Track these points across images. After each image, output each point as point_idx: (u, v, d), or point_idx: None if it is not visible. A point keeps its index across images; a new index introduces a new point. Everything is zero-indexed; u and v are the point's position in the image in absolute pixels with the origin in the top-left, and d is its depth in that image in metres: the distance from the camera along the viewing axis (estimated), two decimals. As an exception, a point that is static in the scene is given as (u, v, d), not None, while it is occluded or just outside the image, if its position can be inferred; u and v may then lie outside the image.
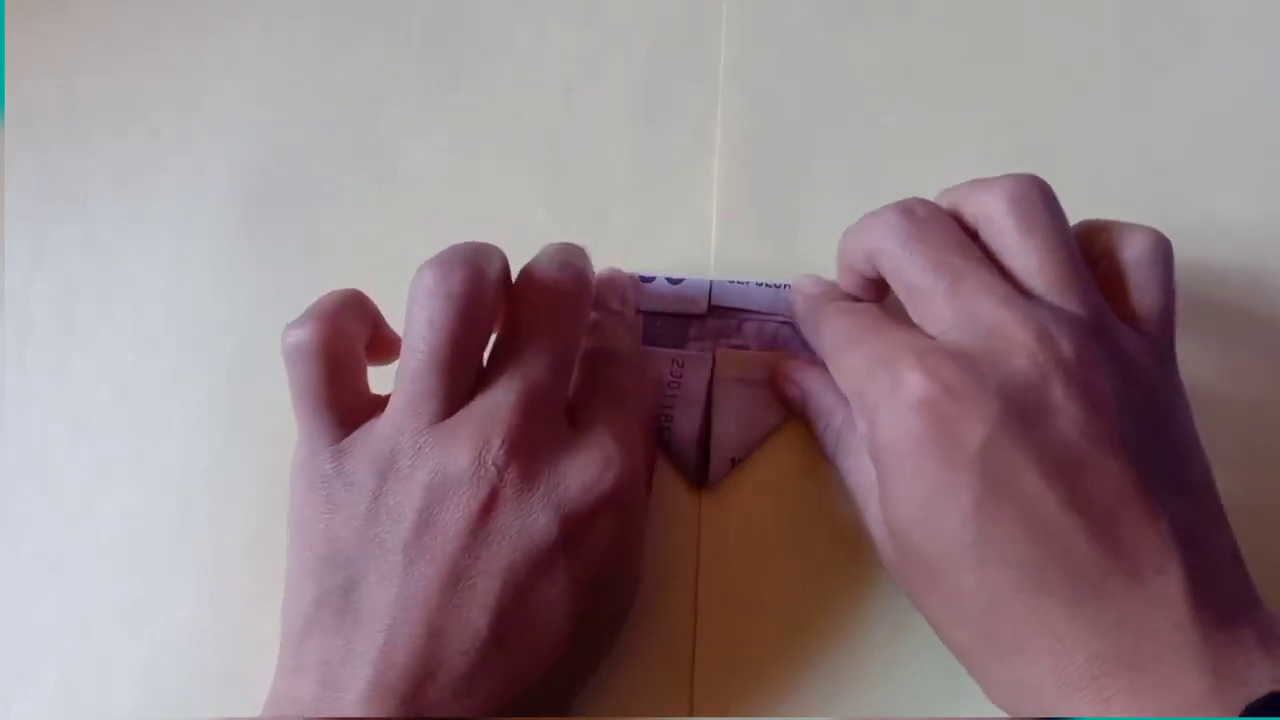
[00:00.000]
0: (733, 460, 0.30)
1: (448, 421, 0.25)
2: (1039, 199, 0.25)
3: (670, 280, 0.32)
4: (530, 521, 0.24)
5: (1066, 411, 0.22)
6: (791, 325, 0.31)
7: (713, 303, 0.31)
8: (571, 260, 0.28)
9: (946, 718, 0.26)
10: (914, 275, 0.25)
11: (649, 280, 0.32)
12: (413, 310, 0.26)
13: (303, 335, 0.26)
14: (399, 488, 0.25)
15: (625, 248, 0.33)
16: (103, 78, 0.36)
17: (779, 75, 0.34)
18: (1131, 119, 0.33)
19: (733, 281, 0.31)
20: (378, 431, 0.26)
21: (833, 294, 0.29)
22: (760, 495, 0.30)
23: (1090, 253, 0.26)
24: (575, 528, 0.24)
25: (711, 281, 0.31)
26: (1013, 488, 0.22)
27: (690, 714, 0.27)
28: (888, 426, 0.24)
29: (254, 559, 0.31)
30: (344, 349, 0.27)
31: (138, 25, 0.36)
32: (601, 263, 0.32)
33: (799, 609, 0.29)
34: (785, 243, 0.32)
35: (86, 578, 0.31)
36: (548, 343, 0.26)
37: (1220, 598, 0.21)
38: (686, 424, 0.30)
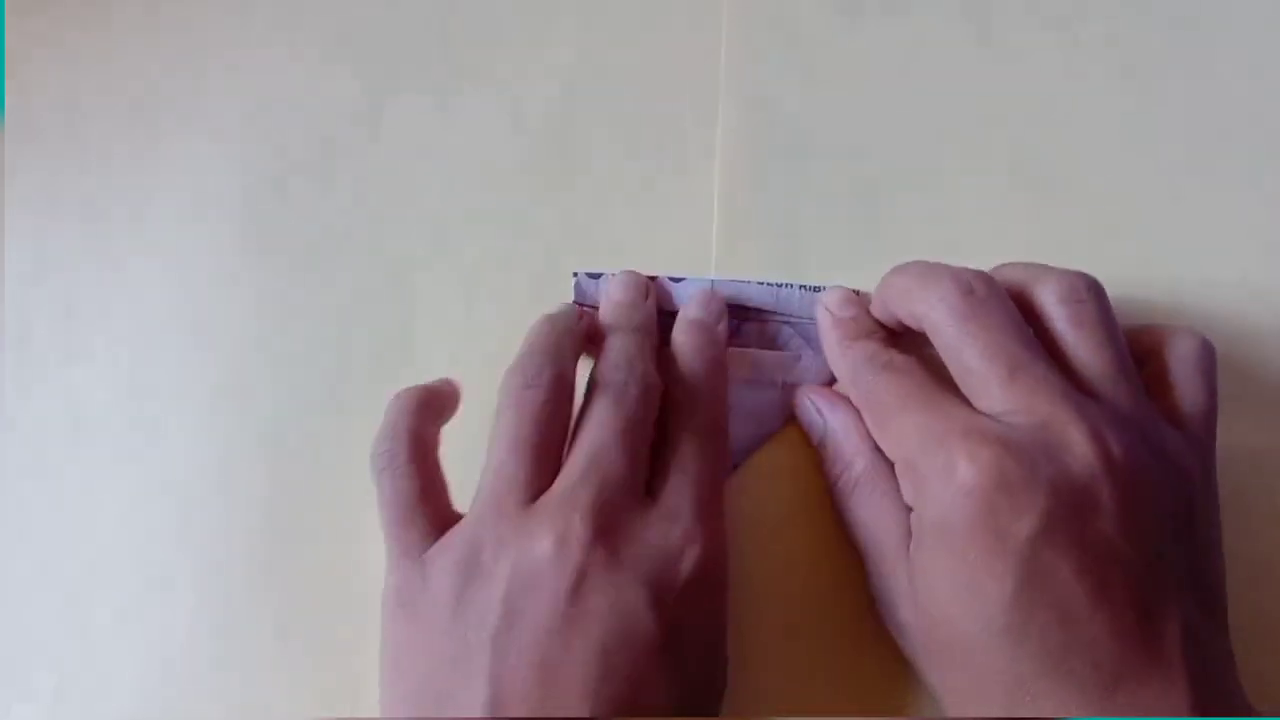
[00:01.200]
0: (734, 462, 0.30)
1: (527, 510, 0.26)
2: (1090, 296, 0.26)
3: (672, 280, 0.32)
4: (620, 600, 0.24)
5: (1109, 510, 0.23)
6: (792, 325, 0.31)
7: None
8: (632, 326, 0.29)
9: (946, 718, 0.26)
10: (970, 357, 0.25)
11: (650, 280, 0.32)
12: (501, 412, 0.27)
13: (390, 447, 0.27)
14: (482, 583, 0.25)
15: (625, 248, 0.33)
16: (103, 78, 0.36)
17: (779, 75, 0.34)
18: (1131, 119, 0.33)
19: (733, 281, 0.31)
20: (459, 533, 0.26)
21: (863, 322, 0.29)
22: (760, 495, 0.30)
23: (1136, 351, 0.27)
24: (666, 603, 0.24)
25: (713, 281, 0.31)
26: (1050, 580, 0.23)
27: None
28: (938, 505, 0.24)
29: (254, 559, 0.31)
30: (430, 457, 0.28)
31: (138, 25, 0.36)
32: (601, 263, 0.32)
33: (799, 608, 0.29)
34: (785, 243, 0.32)
35: (86, 578, 0.31)
36: (616, 419, 0.27)
37: (1215, 696, 0.23)
38: (687, 424, 0.30)
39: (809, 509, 0.30)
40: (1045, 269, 0.27)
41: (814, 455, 0.30)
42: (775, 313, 0.31)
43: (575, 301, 0.32)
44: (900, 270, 0.28)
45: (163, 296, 0.34)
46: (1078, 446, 0.24)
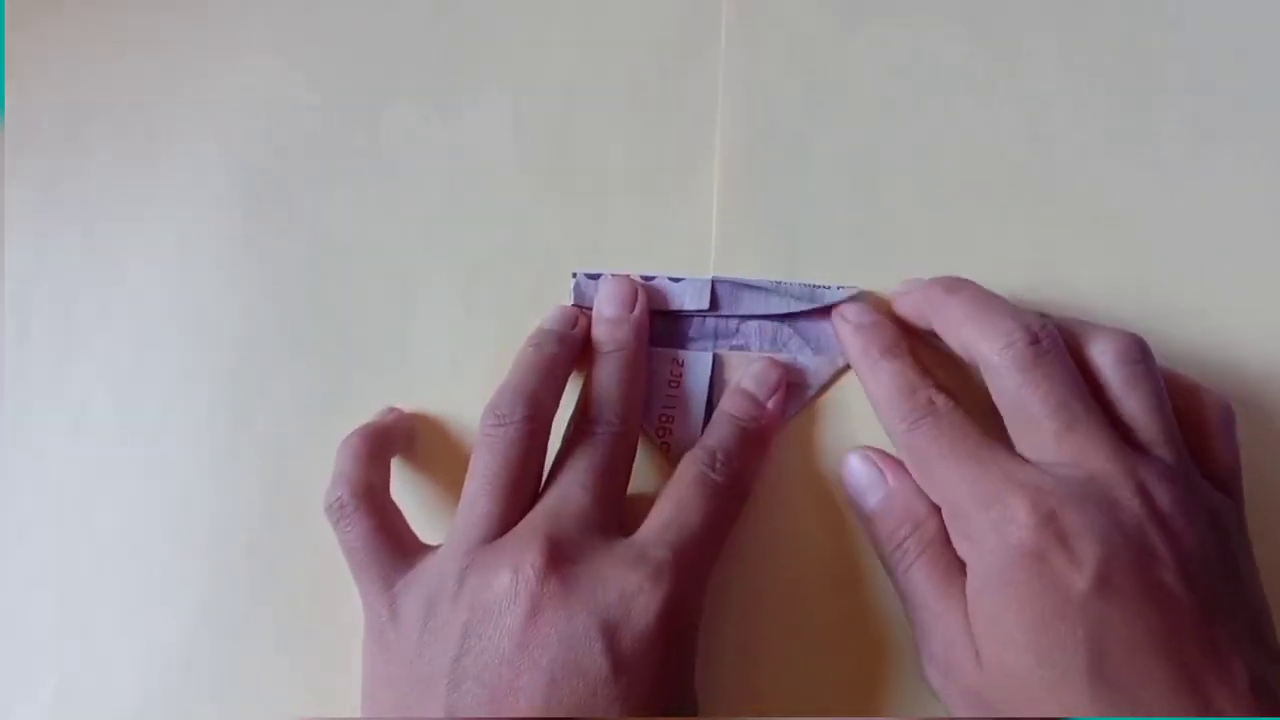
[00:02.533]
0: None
1: (492, 545, 0.26)
2: (1141, 358, 0.27)
3: (671, 279, 0.32)
4: (569, 630, 0.24)
5: (1165, 560, 0.24)
6: (793, 325, 0.31)
7: (714, 300, 0.31)
8: (618, 345, 0.30)
9: (947, 718, 0.26)
10: (1030, 404, 0.26)
11: (650, 279, 0.32)
12: (476, 448, 0.28)
13: (339, 498, 0.28)
14: (445, 616, 0.25)
15: (625, 248, 0.32)
16: (103, 78, 0.36)
17: (779, 75, 0.34)
18: (1130, 122, 0.33)
19: (734, 281, 0.31)
20: (427, 568, 0.27)
21: (887, 331, 0.29)
22: (760, 495, 0.30)
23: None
24: (618, 639, 0.24)
25: (714, 280, 0.31)
26: (1116, 629, 0.23)
27: (695, 714, 0.27)
28: (996, 558, 0.24)
29: (254, 559, 0.31)
30: (378, 499, 0.28)
31: (138, 25, 0.36)
32: (601, 263, 0.32)
33: (800, 607, 0.29)
34: (785, 243, 0.32)
35: (86, 578, 0.31)
36: (592, 461, 0.27)
37: None
38: (687, 424, 0.30)
39: (809, 507, 0.30)
40: (1098, 327, 0.28)
41: (813, 456, 0.30)
42: (775, 313, 0.31)
43: (575, 304, 0.32)
44: (954, 290, 0.28)
45: (162, 296, 0.34)
46: (1126, 500, 0.24)
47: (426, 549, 0.28)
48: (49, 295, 0.34)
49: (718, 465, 0.28)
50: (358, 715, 0.28)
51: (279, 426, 0.32)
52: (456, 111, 0.34)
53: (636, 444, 0.29)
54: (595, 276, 0.32)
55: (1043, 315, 0.28)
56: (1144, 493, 0.24)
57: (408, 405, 0.32)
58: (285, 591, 0.31)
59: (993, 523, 0.25)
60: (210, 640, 0.31)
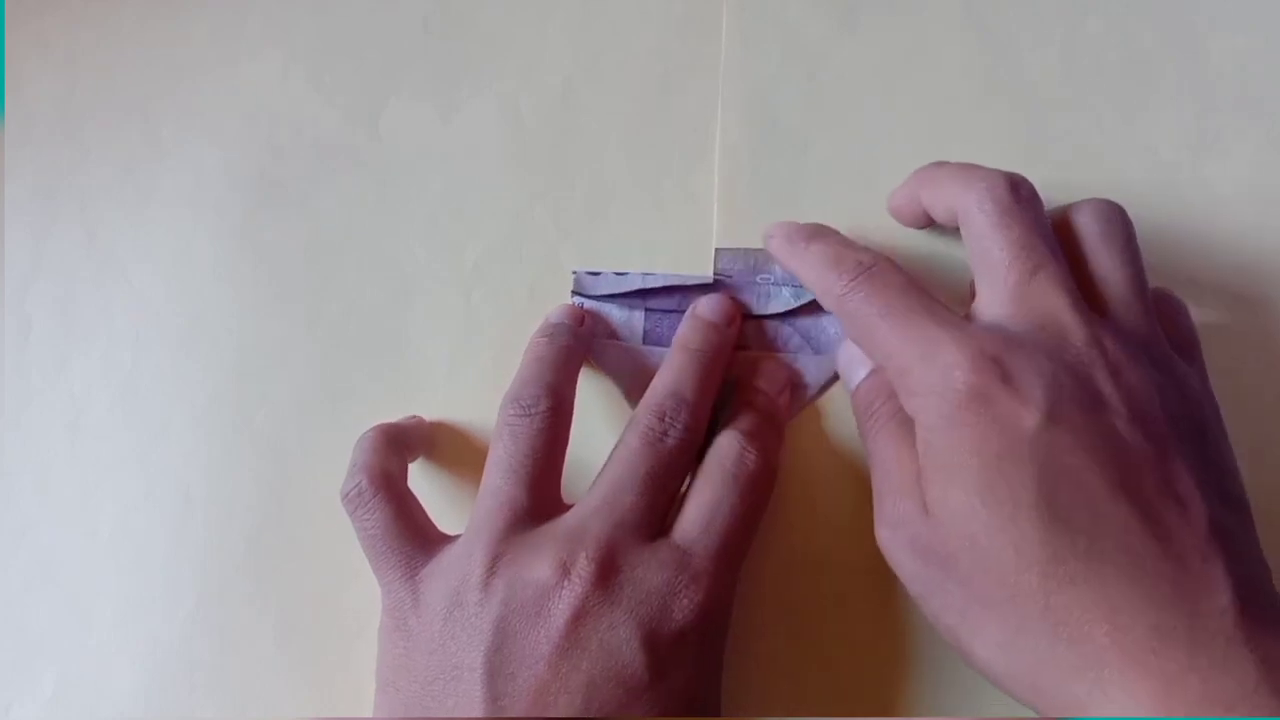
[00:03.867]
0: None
1: (528, 535, 0.26)
2: (1120, 222, 0.27)
3: (672, 278, 0.32)
4: (612, 638, 0.24)
5: (1114, 407, 0.23)
6: (792, 324, 0.31)
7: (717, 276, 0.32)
8: (702, 349, 0.29)
9: (947, 718, 0.26)
10: (997, 247, 0.25)
11: (650, 279, 0.32)
12: (497, 438, 0.28)
13: (357, 485, 0.27)
14: (475, 603, 0.25)
15: (625, 248, 0.32)
16: (103, 78, 0.36)
17: (779, 75, 0.34)
18: (1132, 120, 0.33)
19: (734, 281, 0.31)
20: (452, 554, 0.27)
21: (809, 226, 0.29)
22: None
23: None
24: (658, 646, 0.24)
25: (714, 280, 0.32)
26: (1068, 465, 0.23)
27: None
28: (941, 408, 0.24)
29: (253, 558, 0.31)
30: (397, 487, 0.28)
31: (138, 25, 0.36)
32: (601, 263, 0.32)
33: (802, 606, 0.29)
34: (785, 242, 0.32)
35: (86, 578, 0.31)
36: (646, 461, 0.27)
37: (1260, 601, 0.22)
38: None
39: (809, 506, 0.30)
40: (1082, 200, 0.27)
41: (812, 454, 0.30)
42: (775, 313, 0.31)
43: (574, 295, 0.32)
44: (942, 163, 0.28)
45: (162, 296, 0.34)
46: (1076, 349, 0.24)
47: (446, 537, 0.28)
48: (49, 295, 0.34)
49: (747, 459, 0.28)
50: (358, 712, 0.28)
51: (279, 426, 0.32)
52: (456, 111, 0.34)
53: (697, 451, 0.28)
54: (595, 274, 0.32)
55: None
56: (1096, 342, 0.24)
57: (407, 405, 0.32)
58: (285, 591, 0.31)
59: (936, 372, 0.24)
60: (210, 639, 0.31)
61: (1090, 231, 0.27)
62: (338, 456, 0.31)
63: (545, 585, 0.25)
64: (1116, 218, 0.27)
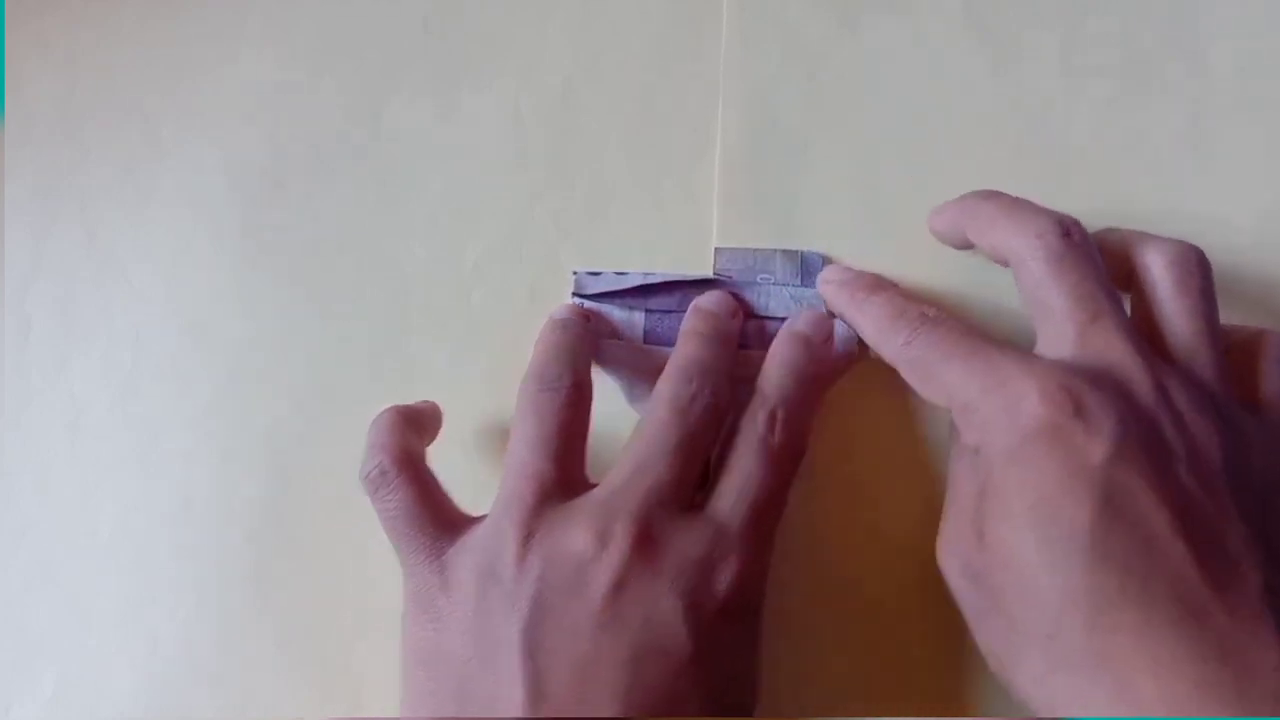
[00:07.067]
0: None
1: (561, 508, 0.25)
2: (1198, 269, 0.26)
3: (672, 277, 0.32)
4: (655, 612, 0.24)
5: (1179, 454, 0.23)
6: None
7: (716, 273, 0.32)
8: (714, 336, 0.29)
9: (948, 718, 0.26)
10: (1055, 296, 0.25)
11: (650, 278, 0.32)
12: (521, 416, 0.27)
13: (379, 464, 0.27)
14: (508, 580, 0.25)
15: (625, 248, 0.32)
16: (103, 78, 0.36)
17: (779, 75, 0.34)
18: (1132, 119, 0.33)
19: (734, 280, 0.31)
20: (481, 531, 0.26)
21: (867, 277, 0.29)
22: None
23: (1227, 342, 0.27)
24: (701, 619, 0.24)
25: (715, 279, 0.32)
26: (1130, 502, 0.22)
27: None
28: (1006, 438, 0.23)
29: (253, 559, 0.31)
30: (419, 467, 0.27)
31: (138, 25, 0.36)
32: (601, 263, 0.32)
33: (804, 604, 0.29)
34: (785, 242, 0.32)
35: (86, 578, 0.31)
36: (675, 430, 0.26)
37: None
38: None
39: (809, 505, 0.30)
40: (1160, 237, 0.27)
41: (813, 452, 0.30)
42: (776, 315, 0.31)
43: (574, 295, 0.32)
44: (988, 196, 0.28)
45: (162, 296, 0.34)
46: (1142, 393, 0.23)
47: (469, 517, 0.27)
48: (49, 295, 0.34)
49: (777, 427, 0.27)
50: (358, 712, 0.28)
51: (279, 426, 0.32)
52: (456, 111, 0.34)
53: (724, 419, 0.28)
54: (596, 274, 0.32)
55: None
56: (1161, 388, 0.23)
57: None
58: (285, 591, 0.31)
59: (1002, 405, 0.24)
60: (210, 639, 0.31)
61: (1161, 277, 0.26)
62: (337, 456, 0.31)
63: (583, 558, 0.24)
64: (1193, 266, 0.26)
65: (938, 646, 0.28)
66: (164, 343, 0.33)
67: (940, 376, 0.26)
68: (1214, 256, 0.32)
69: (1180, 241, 0.26)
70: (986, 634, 0.24)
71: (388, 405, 0.29)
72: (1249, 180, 0.32)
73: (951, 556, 0.25)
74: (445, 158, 0.34)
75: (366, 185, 0.34)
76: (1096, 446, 0.22)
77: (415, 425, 0.29)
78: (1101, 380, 0.23)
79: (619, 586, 0.24)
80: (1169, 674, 0.21)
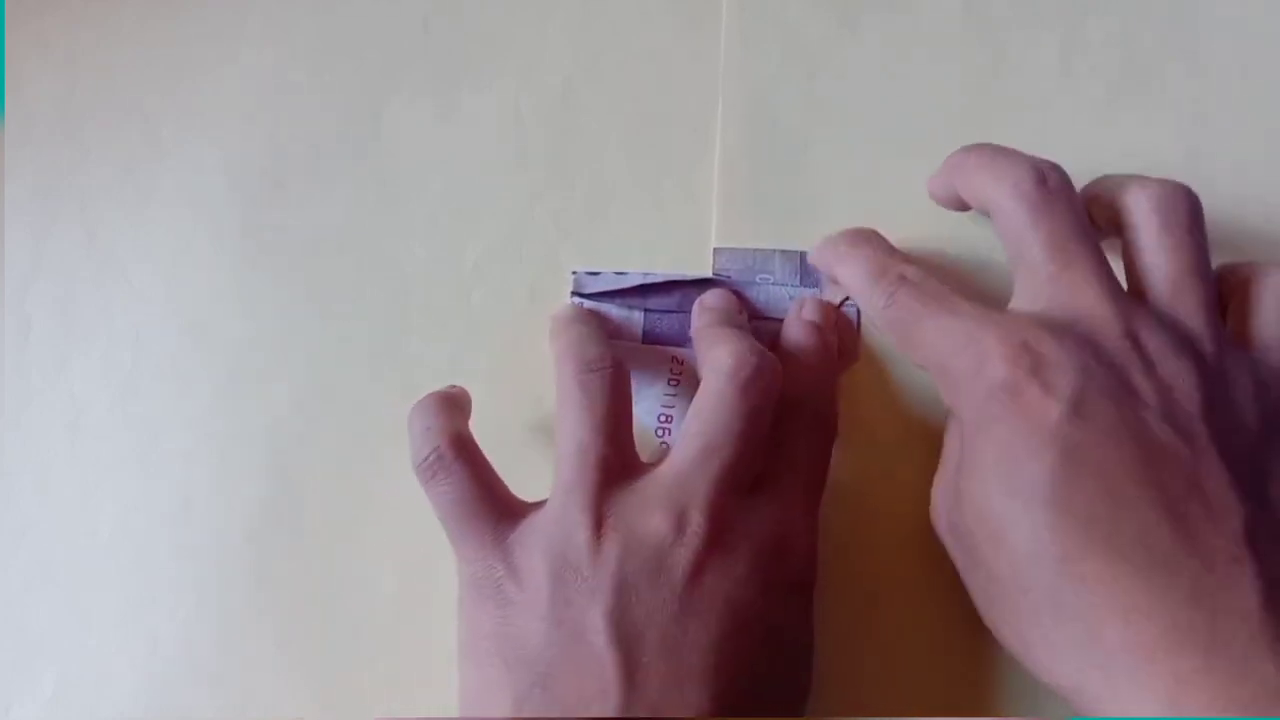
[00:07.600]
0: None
1: (628, 490, 0.25)
2: (1185, 207, 0.25)
3: (672, 277, 0.32)
4: (734, 593, 0.24)
5: (1145, 398, 0.23)
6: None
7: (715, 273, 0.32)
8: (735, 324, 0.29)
9: (949, 718, 0.26)
10: (1029, 244, 0.25)
11: (650, 278, 0.32)
12: (567, 397, 0.27)
13: (436, 449, 0.26)
14: (586, 564, 0.24)
15: (625, 248, 0.33)
16: (103, 78, 0.36)
17: (779, 75, 0.34)
18: (1132, 120, 0.33)
19: (734, 280, 0.31)
20: (545, 515, 0.26)
21: (847, 233, 0.29)
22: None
23: (1226, 285, 0.26)
24: (773, 598, 0.25)
25: (715, 278, 0.32)
26: (1090, 456, 0.22)
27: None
28: (974, 400, 0.24)
29: (254, 559, 0.31)
30: (473, 449, 0.27)
31: (138, 25, 0.36)
32: (601, 263, 0.32)
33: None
34: (784, 243, 0.32)
35: (86, 578, 0.31)
36: (740, 404, 0.26)
37: None
38: (687, 424, 0.30)
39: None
40: (1149, 178, 0.26)
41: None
42: (775, 315, 0.31)
43: (574, 295, 0.32)
44: (973, 148, 0.28)
45: (162, 296, 0.34)
46: (1111, 340, 0.23)
47: (526, 502, 0.27)
48: (49, 295, 0.34)
49: (808, 415, 0.28)
50: (358, 712, 0.28)
51: (279, 426, 0.32)
52: (456, 111, 0.34)
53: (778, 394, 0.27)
54: (595, 274, 0.32)
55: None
56: (1131, 335, 0.23)
57: (407, 405, 0.32)
58: (285, 591, 0.31)
59: (971, 364, 0.24)
60: (210, 639, 0.31)
61: (1146, 219, 0.25)
62: (338, 456, 0.31)
63: (662, 542, 0.24)
64: (1179, 204, 0.25)
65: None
66: (164, 343, 0.33)
67: (917, 339, 0.26)
68: (1214, 256, 0.32)
69: (1167, 181, 0.26)
70: (972, 589, 0.25)
71: (426, 393, 0.28)
72: (1249, 180, 0.32)
73: (939, 515, 0.26)
74: (445, 158, 0.34)
75: (366, 185, 0.34)
76: (1052, 406, 0.23)
77: (455, 406, 0.28)
78: (1065, 332, 0.24)
79: (699, 570, 0.24)
80: (1138, 621, 0.21)
